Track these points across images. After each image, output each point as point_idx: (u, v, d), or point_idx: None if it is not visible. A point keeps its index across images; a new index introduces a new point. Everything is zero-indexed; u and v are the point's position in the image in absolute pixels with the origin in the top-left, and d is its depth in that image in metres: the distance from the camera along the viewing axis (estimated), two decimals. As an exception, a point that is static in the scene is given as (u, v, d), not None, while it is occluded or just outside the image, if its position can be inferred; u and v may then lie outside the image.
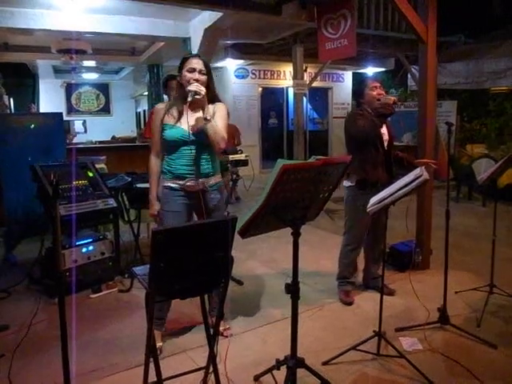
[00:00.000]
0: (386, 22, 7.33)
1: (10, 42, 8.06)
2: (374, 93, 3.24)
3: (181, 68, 2.62)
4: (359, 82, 3.53)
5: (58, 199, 1.82)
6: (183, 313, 3.14)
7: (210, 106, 2.60)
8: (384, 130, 3.33)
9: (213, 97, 2.67)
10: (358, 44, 5.65)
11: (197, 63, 2.58)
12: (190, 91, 2.45)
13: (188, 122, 2.50)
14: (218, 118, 2.60)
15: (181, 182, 2.62)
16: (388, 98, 3.18)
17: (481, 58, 7.85)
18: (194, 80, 2.53)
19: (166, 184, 2.67)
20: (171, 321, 3.06)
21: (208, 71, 2.62)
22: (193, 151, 2.59)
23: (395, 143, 3.60)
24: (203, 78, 2.58)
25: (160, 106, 2.70)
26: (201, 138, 2.58)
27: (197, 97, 2.45)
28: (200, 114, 2.57)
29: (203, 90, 2.48)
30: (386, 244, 2.75)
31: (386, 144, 3.32)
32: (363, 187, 3.29)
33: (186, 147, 2.58)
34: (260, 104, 11.15)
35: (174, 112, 2.62)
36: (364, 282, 3.67)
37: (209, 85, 2.61)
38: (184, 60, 2.62)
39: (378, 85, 3.29)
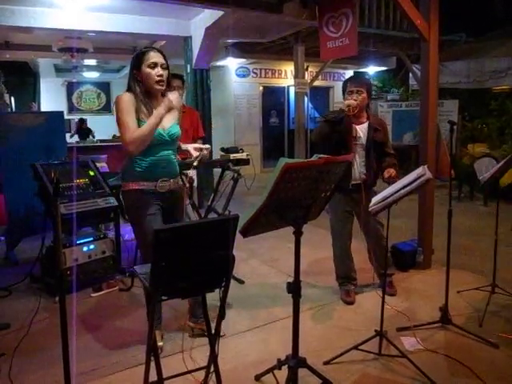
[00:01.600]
0: (387, 20, 7.30)
1: (11, 40, 8.04)
2: (349, 97, 3.24)
3: (138, 63, 2.45)
4: (344, 83, 3.44)
5: (59, 198, 1.81)
6: (184, 312, 3.13)
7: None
8: (360, 133, 3.29)
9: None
10: (360, 43, 5.62)
11: (158, 57, 2.46)
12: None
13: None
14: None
15: (152, 183, 2.51)
16: (344, 103, 3.19)
17: (482, 57, 7.83)
18: (158, 76, 2.44)
19: (136, 187, 2.51)
20: (172, 320, 3.06)
21: (168, 65, 2.51)
22: (167, 151, 2.56)
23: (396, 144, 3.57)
24: (166, 72, 2.49)
25: (128, 95, 2.45)
26: (174, 139, 2.60)
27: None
28: (169, 114, 2.55)
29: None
30: (387, 245, 2.74)
31: (359, 148, 3.28)
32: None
33: (160, 148, 2.53)
34: (261, 103, 11.13)
35: (144, 108, 2.46)
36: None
37: (169, 79, 2.55)
38: (141, 54, 2.46)
39: (354, 89, 3.24)
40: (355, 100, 3.19)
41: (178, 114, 2.70)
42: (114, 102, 2.52)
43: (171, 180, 2.59)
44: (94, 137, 10.08)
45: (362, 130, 3.31)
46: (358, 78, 3.68)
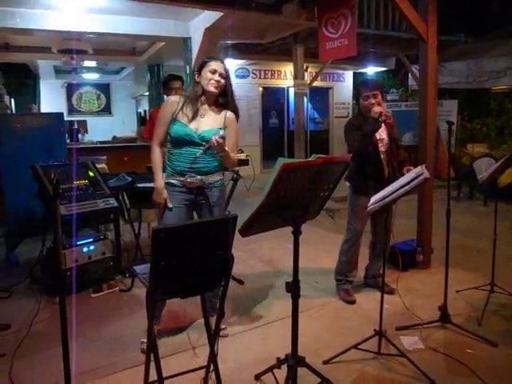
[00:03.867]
0: (386, 21, 7.32)
1: (11, 42, 8.06)
2: (366, 102, 3.26)
3: (201, 68, 2.69)
4: (356, 87, 3.49)
5: (59, 199, 1.82)
6: (184, 312, 3.14)
7: (224, 112, 2.74)
8: (383, 134, 3.33)
9: (228, 102, 2.75)
10: (359, 43, 5.63)
11: (218, 66, 2.66)
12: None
13: (199, 123, 2.65)
14: (232, 134, 2.73)
15: (181, 178, 2.68)
16: (374, 110, 3.13)
17: (481, 57, 7.84)
18: (215, 81, 2.63)
19: (167, 180, 2.73)
20: (172, 320, 3.08)
21: (228, 76, 2.71)
22: (195, 150, 2.64)
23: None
24: (223, 81, 2.67)
25: (174, 99, 2.73)
26: (206, 141, 2.64)
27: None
28: (213, 115, 2.70)
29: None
30: (389, 243, 2.74)
31: (383, 148, 3.32)
32: (356, 191, 3.37)
33: (188, 146, 2.65)
34: (261, 104, 11.12)
35: (189, 111, 2.66)
36: (364, 280, 3.68)
37: (226, 89, 2.70)
38: (206, 61, 2.69)
39: (369, 93, 3.25)
40: (374, 104, 3.21)
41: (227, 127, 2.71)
42: None
43: (198, 177, 2.68)
44: (83, 135, 10.38)
45: (382, 131, 3.33)
46: (371, 81, 3.67)
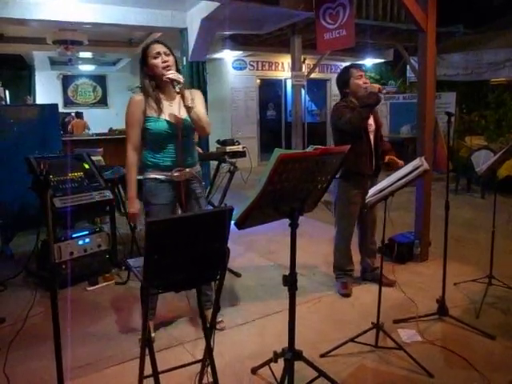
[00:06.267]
0: (384, 12, 7.25)
1: (6, 33, 7.97)
2: (360, 82, 3.22)
3: (144, 59, 2.56)
4: (342, 71, 3.41)
5: (52, 190, 1.79)
6: (180, 305, 3.12)
7: (186, 91, 2.56)
8: (371, 120, 3.29)
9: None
10: (357, 35, 5.59)
11: (159, 47, 2.54)
12: (171, 79, 2.44)
13: (169, 113, 2.54)
14: (199, 106, 2.60)
15: (168, 173, 2.59)
16: (373, 86, 3.16)
17: (480, 49, 7.79)
18: (163, 63, 2.50)
19: (152, 176, 2.60)
20: (168, 313, 3.05)
21: (171, 52, 2.59)
22: (178, 142, 2.56)
23: (388, 135, 3.58)
24: (170, 58, 2.55)
25: (138, 98, 2.57)
26: (185, 129, 2.57)
27: (179, 86, 2.44)
28: (176, 101, 2.58)
29: (181, 76, 2.48)
30: (384, 236, 2.72)
31: (372, 135, 3.30)
32: (347, 179, 3.28)
33: (171, 139, 2.56)
34: (258, 96, 11.07)
35: (153, 103, 2.55)
36: (361, 275, 3.66)
37: (176, 64, 2.59)
38: (144, 50, 2.57)
39: (362, 73, 3.26)
40: (367, 82, 3.23)
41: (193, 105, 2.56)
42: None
43: (187, 170, 2.62)
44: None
45: (371, 118, 3.29)
46: (358, 64, 3.72)
